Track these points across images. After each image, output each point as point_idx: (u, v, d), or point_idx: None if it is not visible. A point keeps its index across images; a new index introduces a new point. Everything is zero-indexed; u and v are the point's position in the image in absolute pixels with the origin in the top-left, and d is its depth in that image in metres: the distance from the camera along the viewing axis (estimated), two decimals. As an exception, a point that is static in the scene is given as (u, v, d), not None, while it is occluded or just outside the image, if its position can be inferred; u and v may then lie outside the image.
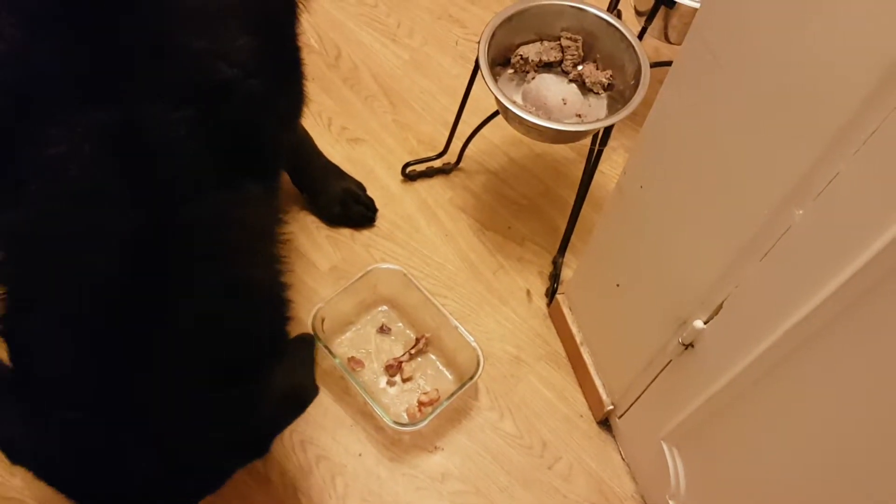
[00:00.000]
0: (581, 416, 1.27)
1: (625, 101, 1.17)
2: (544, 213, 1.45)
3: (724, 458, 0.97)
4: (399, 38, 1.64)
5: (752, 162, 0.76)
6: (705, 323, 0.90)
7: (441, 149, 1.43)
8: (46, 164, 0.69)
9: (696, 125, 0.85)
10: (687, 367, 0.97)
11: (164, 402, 0.74)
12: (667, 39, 1.36)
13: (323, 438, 1.21)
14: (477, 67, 1.19)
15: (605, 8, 1.27)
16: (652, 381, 1.07)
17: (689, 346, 0.95)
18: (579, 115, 1.23)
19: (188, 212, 0.73)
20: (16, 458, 0.76)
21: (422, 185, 1.46)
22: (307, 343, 0.84)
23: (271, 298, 0.83)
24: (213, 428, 0.76)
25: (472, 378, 1.19)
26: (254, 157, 0.80)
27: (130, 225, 0.71)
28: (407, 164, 1.44)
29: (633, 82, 1.18)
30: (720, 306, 0.87)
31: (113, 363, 0.72)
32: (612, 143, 1.33)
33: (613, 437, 1.25)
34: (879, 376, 0.67)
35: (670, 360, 1.00)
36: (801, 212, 0.71)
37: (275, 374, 0.80)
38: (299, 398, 0.82)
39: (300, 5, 0.91)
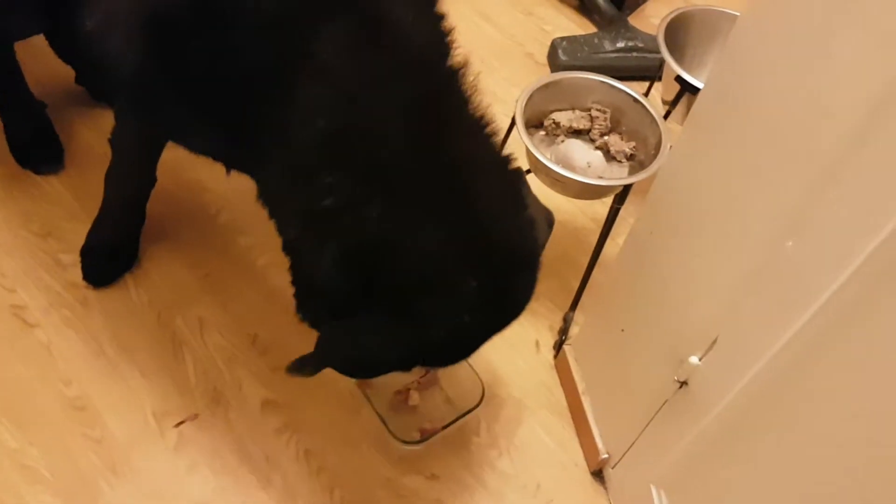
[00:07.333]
0: (576, 464, 1.30)
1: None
2: (560, 273, 1.53)
3: (711, 501, 1.00)
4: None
5: (752, 199, 0.85)
6: (700, 359, 0.96)
7: (470, 203, 1.54)
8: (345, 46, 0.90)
9: (703, 171, 0.95)
10: (680, 406, 1.02)
11: (485, 215, 0.93)
12: (688, 126, 1.48)
13: (327, 450, 1.25)
14: (512, 125, 1.31)
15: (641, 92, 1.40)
16: (647, 425, 1.12)
17: (683, 383, 1.00)
18: (601, 178, 1.33)
19: (441, 75, 0.95)
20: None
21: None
22: (525, 176, 1.03)
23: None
24: (516, 247, 0.97)
25: (474, 407, 1.24)
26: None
27: (407, 93, 0.90)
28: (437, 213, 1.54)
29: (653, 152, 1.29)
30: (714, 341, 0.93)
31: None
32: (626, 217, 1.43)
33: (605, 488, 1.28)
34: (865, 406, 0.73)
35: (665, 401, 1.05)
36: (790, 243, 0.79)
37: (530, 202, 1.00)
38: (549, 219, 1.06)
39: None
